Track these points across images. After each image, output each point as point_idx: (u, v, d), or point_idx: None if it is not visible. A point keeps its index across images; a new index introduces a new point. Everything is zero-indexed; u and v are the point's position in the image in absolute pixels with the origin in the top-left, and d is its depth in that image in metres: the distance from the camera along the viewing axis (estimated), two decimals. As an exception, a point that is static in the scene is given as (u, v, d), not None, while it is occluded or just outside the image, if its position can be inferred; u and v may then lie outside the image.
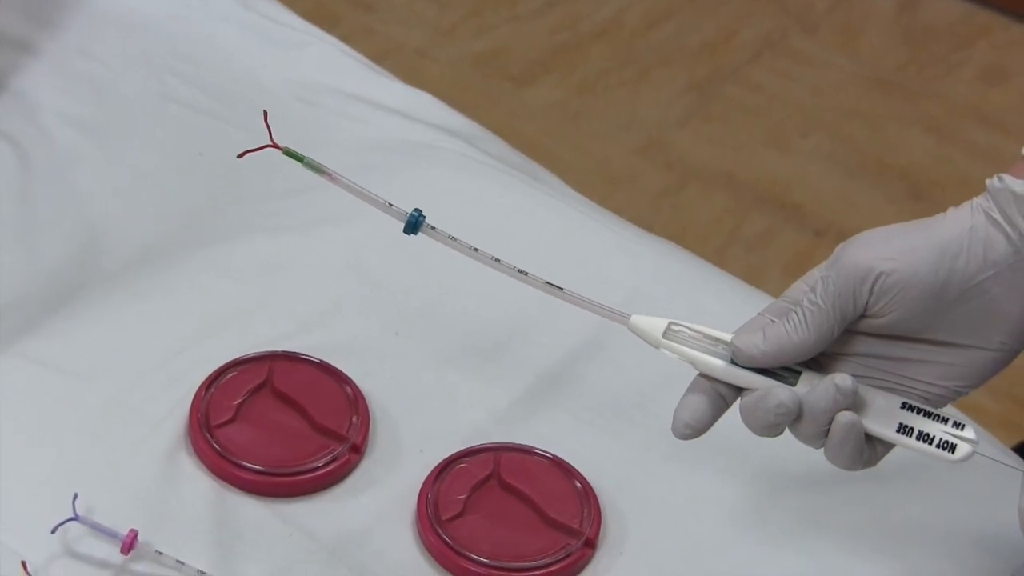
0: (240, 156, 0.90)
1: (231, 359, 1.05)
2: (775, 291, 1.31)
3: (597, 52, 2.52)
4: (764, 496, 1.04)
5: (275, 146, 0.90)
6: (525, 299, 1.12)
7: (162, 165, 1.23)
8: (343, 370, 1.06)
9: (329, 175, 0.90)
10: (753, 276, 1.24)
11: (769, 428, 0.85)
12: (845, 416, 0.83)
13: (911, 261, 0.84)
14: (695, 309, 1.15)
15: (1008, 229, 0.85)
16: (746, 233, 2.24)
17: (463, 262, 1.05)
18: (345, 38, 1.41)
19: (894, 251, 0.85)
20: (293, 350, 1.07)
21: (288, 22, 1.39)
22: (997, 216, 0.85)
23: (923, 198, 2.30)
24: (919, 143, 2.42)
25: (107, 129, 1.25)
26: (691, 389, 0.87)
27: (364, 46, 1.46)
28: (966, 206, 0.86)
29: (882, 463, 0.88)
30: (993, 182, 0.86)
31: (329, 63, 1.35)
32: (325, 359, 1.06)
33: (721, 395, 0.87)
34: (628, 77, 2.48)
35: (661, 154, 2.35)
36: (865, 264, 0.84)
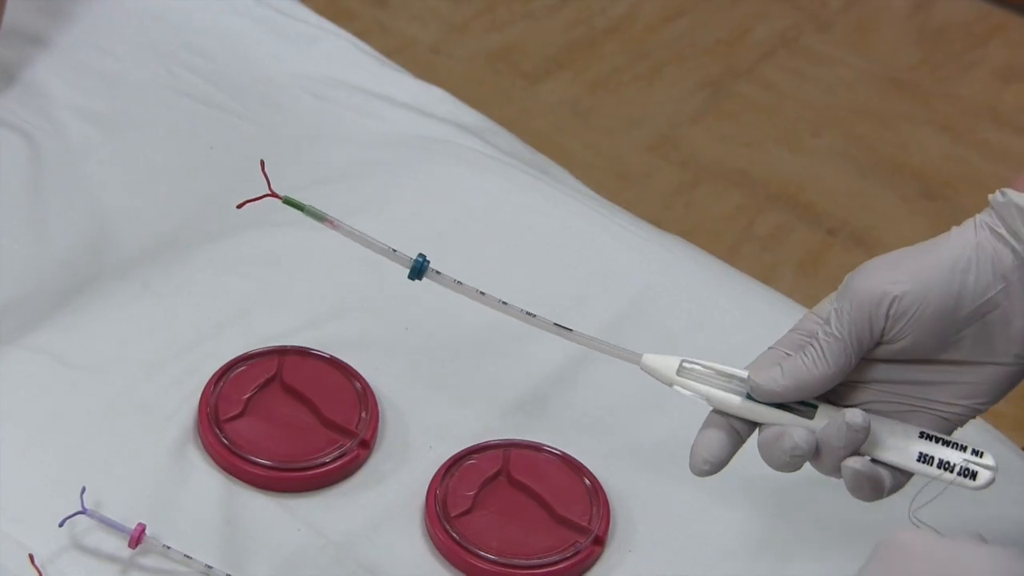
0: (239, 206, 0.91)
1: (240, 354, 1.05)
2: (787, 289, 1.31)
3: (610, 49, 2.52)
4: (773, 495, 1.03)
5: (274, 195, 0.89)
6: (536, 296, 1.12)
7: (173, 158, 1.23)
8: (353, 365, 1.05)
9: (331, 222, 0.90)
10: (765, 274, 1.24)
11: (786, 467, 0.85)
12: (851, 462, 0.83)
13: (922, 281, 0.84)
14: (706, 306, 1.15)
15: (1014, 242, 0.85)
16: (758, 231, 2.23)
17: (473, 259, 1.06)
18: (359, 34, 1.40)
19: (904, 273, 0.84)
20: (303, 345, 1.06)
21: (301, 16, 1.39)
22: (1002, 230, 0.85)
23: (936, 197, 2.29)
24: (932, 142, 2.41)
25: (119, 122, 1.25)
26: (707, 425, 0.87)
27: (377, 42, 1.46)
28: (969, 223, 0.86)
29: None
30: (996, 197, 0.86)
31: (341, 58, 1.35)
32: (335, 354, 1.06)
33: (736, 430, 0.87)
34: (641, 74, 2.48)
35: (674, 151, 2.35)
36: (878, 289, 0.84)
